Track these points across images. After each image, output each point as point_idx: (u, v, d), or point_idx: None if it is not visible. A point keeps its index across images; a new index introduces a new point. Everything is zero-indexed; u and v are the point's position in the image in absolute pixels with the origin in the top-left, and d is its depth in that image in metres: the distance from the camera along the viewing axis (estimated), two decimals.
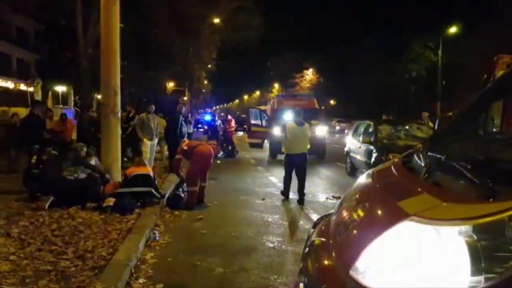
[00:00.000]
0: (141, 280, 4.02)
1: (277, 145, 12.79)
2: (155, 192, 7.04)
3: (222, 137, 17.91)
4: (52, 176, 6.70)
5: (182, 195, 7.54)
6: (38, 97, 16.52)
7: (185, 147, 7.74)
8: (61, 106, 20.29)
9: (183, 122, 11.51)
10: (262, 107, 20.42)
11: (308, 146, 8.26)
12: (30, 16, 27.39)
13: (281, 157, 11.33)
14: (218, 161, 9.03)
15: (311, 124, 15.50)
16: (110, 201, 6.33)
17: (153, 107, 10.91)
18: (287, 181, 8.24)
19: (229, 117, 21.29)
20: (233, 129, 19.10)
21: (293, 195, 8.56)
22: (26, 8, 23.61)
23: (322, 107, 21.26)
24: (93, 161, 7.37)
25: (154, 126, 10.54)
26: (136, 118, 10.99)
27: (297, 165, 8.04)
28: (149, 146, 10.36)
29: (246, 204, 7.90)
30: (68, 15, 19.97)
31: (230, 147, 16.91)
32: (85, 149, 7.29)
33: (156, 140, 10.81)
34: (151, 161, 10.25)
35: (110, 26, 7.53)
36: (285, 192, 8.30)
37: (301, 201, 7.91)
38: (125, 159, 10.47)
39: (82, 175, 6.92)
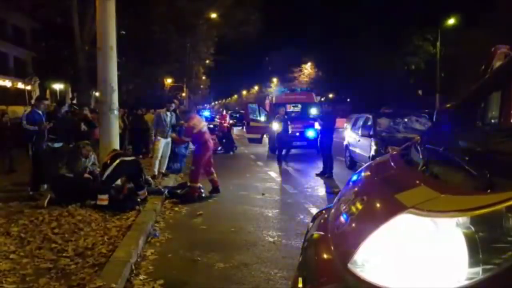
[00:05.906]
0: (141, 277, 4.03)
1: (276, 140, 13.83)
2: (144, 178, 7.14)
3: (220, 133, 17.91)
4: (51, 174, 6.69)
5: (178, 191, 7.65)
6: (36, 95, 16.45)
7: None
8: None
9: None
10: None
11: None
12: (26, 15, 27.26)
13: None
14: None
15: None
16: (104, 200, 6.20)
17: (173, 105, 10.01)
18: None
19: (224, 112, 23.43)
20: (226, 124, 19.98)
21: (292, 189, 8.62)
22: (22, 6, 23.48)
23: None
24: (92, 158, 7.36)
25: (170, 124, 9.62)
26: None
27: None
28: (162, 144, 9.54)
29: (245, 199, 7.90)
30: (64, 13, 19.87)
31: (229, 143, 16.91)
32: (87, 147, 7.29)
33: (169, 138, 9.66)
34: (164, 160, 9.66)
35: (106, 23, 7.48)
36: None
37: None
38: None
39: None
